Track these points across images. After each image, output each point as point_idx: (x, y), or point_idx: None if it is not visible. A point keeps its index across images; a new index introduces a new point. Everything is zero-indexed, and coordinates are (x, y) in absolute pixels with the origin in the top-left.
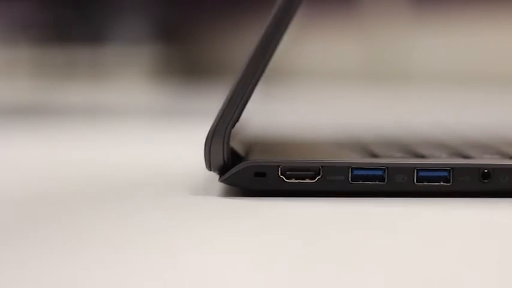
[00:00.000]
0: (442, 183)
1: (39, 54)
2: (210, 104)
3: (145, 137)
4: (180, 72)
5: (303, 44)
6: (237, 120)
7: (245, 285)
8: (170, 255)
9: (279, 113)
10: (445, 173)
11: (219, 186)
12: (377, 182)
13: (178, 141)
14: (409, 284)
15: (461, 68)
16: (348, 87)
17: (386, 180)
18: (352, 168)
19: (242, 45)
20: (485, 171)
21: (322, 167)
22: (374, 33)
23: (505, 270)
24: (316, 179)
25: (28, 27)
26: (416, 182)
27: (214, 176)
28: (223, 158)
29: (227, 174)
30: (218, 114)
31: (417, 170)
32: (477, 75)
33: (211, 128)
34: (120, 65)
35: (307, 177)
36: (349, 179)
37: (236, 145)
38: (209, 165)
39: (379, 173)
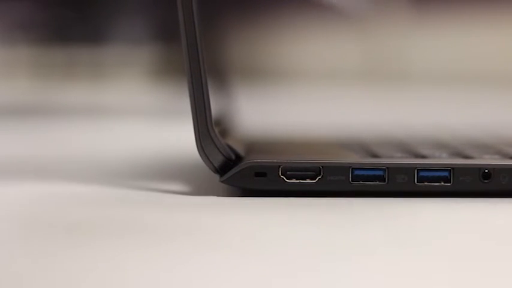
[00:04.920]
0: (442, 183)
1: (39, 54)
2: None
3: (145, 137)
4: (180, 72)
5: (302, 44)
6: (211, 115)
7: (245, 285)
8: (170, 255)
9: (279, 113)
10: (445, 173)
11: (219, 186)
12: (378, 182)
13: (178, 141)
14: (408, 284)
15: (462, 68)
16: (347, 87)
17: (386, 181)
18: (352, 168)
19: (242, 44)
20: (486, 171)
21: (322, 167)
22: (374, 33)
23: (505, 270)
24: (316, 179)
25: (28, 27)
26: (417, 182)
27: (214, 176)
28: (223, 154)
29: (227, 174)
30: (193, 120)
31: (418, 170)
32: (477, 75)
33: (195, 135)
34: (120, 65)
35: (307, 177)
36: (350, 179)
37: (236, 145)
38: (212, 167)
39: (380, 173)
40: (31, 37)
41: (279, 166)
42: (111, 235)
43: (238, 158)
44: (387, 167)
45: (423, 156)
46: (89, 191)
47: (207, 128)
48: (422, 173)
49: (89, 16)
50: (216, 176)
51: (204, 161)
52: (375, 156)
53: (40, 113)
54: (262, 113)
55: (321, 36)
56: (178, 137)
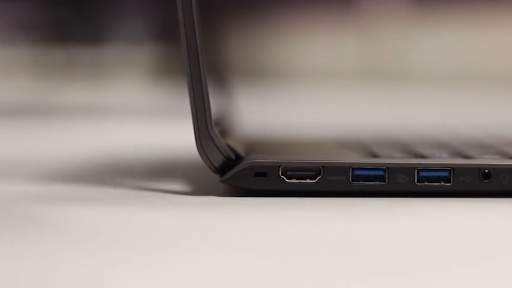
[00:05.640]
0: (442, 183)
1: (39, 54)
2: None
3: (145, 137)
4: (180, 72)
5: (303, 44)
6: (211, 115)
7: (245, 285)
8: (170, 255)
9: (279, 113)
10: (445, 173)
11: (219, 186)
12: (378, 182)
13: (178, 141)
14: (408, 284)
15: (461, 68)
16: (348, 87)
17: (387, 181)
18: (352, 168)
19: (242, 44)
20: (486, 171)
21: (323, 167)
22: (374, 33)
23: (505, 270)
24: (317, 179)
25: (28, 27)
26: (417, 182)
27: (214, 176)
28: (223, 154)
29: (228, 174)
30: (193, 120)
31: (418, 170)
32: (477, 75)
33: (195, 135)
34: (120, 65)
35: (307, 177)
36: (350, 179)
37: (236, 145)
38: (212, 167)
39: (380, 173)
40: (31, 37)
41: (279, 166)
42: (110, 235)
43: (238, 158)
44: (387, 167)
45: (423, 156)
46: (88, 190)
47: (207, 128)
48: (422, 173)
49: (89, 16)
50: (216, 176)
51: (204, 160)
52: (375, 156)
53: (40, 113)
54: (262, 113)
55: (321, 37)
56: (178, 137)
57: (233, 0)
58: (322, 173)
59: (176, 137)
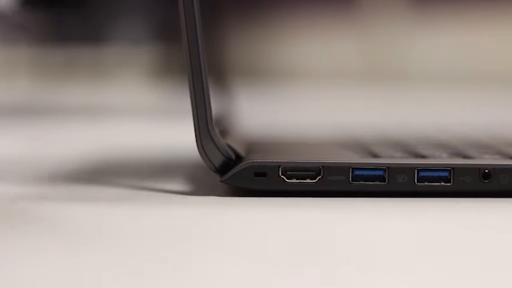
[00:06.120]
0: (442, 183)
1: (39, 54)
2: None
3: (145, 137)
4: (180, 72)
5: (302, 44)
6: (211, 115)
7: (245, 285)
8: (169, 255)
9: (279, 113)
10: (445, 173)
11: (219, 186)
12: (378, 182)
13: (178, 141)
14: (408, 284)
15: (461, 68)
16: (348, 87)
17: (387, 181)
18: (352, 168)
19: (242, 44)
20: (486, 171)
21: (323, 167)
22: (374, 33)
23: (505, 270)
24: (317, 179)
25: (28, 27)
26: (417, 182)
27: (214, 176)
28: (223, 154)
29: (228, 174)
30: (194, 120)
31: (418, 170)
32: (477, 75)
33: (195, 135)
34: (120, 65)
35: (308, 177)
36: (350, 179)
37: (236, 145)
38: (213, 167)
39: (380, 173)
40: (31, 37)
41: (279, 166)
42: (110, 235)
43: (238, 158)
44: (387, 167)
45: (423, 156)
46: (88, 190)
47: (208, 127)
48: (422, 173)
49: (89, 16)
50: (216, 176)
51: (204, 160)
52: (375, 156)
53: (40, 113)
54: (263, 113)
55: (321, 37)
56: (179, 137)
57: (234, 0)
58: (322, 173)
59: (176, 137)
